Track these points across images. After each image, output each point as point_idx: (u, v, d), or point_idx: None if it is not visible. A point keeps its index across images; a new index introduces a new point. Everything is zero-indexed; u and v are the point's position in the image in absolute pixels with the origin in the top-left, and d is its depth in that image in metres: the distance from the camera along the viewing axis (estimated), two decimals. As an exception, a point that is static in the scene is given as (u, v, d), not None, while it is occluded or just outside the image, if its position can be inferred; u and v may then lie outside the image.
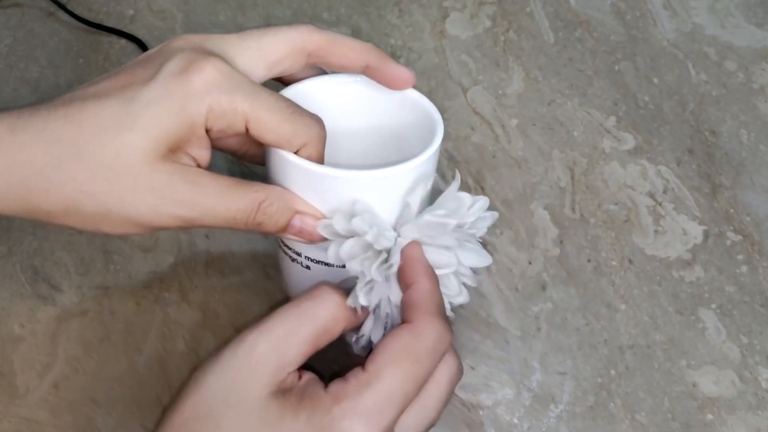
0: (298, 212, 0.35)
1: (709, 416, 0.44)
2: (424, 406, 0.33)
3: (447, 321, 0.33)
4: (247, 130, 0.34)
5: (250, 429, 0.31)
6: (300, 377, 0.32)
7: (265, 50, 0.35)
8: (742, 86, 0.59)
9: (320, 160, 0.35)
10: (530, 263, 0.49)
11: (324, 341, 0.33)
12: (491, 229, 0.40)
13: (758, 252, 0.50)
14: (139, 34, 0.58)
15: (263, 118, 0.33)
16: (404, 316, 0.33)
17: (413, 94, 0.39)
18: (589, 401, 0.44)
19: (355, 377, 0.31)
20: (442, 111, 0.41)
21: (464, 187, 0.52)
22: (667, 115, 0.57)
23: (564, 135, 0.55)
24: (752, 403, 0.44)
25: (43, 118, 0.32)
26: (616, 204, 0.52)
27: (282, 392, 0.31)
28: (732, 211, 0.52)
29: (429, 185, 0.37)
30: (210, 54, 0.33)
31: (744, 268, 0.49)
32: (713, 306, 0.48)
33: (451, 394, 0.34)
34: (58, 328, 0.45)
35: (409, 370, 0.31)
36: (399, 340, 0.32)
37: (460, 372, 0.34)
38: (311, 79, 0.39)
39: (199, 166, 0.35)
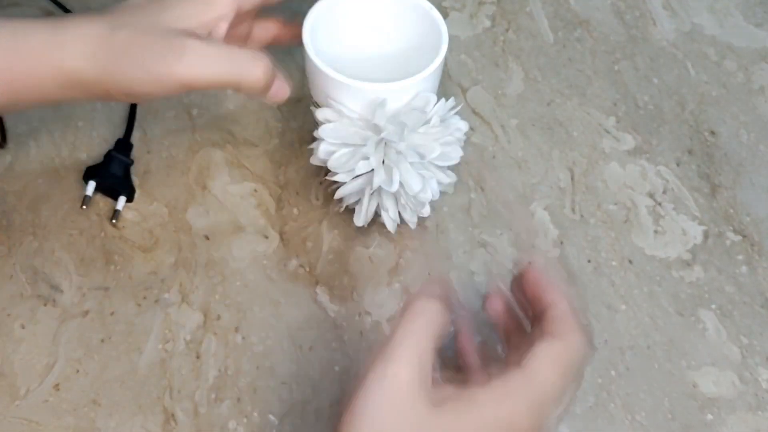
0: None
1: (709, 416, 0.44)
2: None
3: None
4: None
5: None
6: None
7: None
8: (742, 86, 0.59)
9: None
10: (530, 264, 0.49)
11: (438, 342, 0.35)
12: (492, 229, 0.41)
13: (758, 252, 0.50)
14: (139, 33, 0.58)
15: None
16: (550, 329, 0.35)
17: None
18: (590, 402, 0.44)
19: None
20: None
21: (464, 187, 0.52)
22: (667, 115, 0.57)
23: (563, 135, 0.55)
24: (752, 403, 0.45)
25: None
26: (615, 204, 0.52)
27: (438, 401, 0.33)
28: (732, 211, 0.52)
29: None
30: None
31: (744, 269, 0.50)
32: (713, 306, 0.48)
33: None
34: (58, 329, 0.45)
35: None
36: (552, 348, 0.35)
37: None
38: None
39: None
